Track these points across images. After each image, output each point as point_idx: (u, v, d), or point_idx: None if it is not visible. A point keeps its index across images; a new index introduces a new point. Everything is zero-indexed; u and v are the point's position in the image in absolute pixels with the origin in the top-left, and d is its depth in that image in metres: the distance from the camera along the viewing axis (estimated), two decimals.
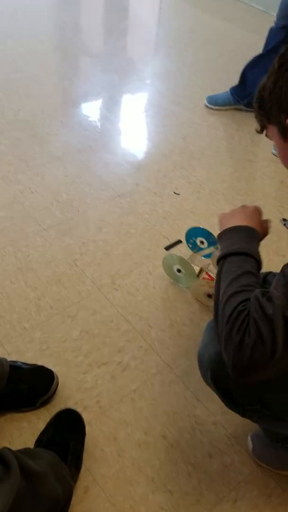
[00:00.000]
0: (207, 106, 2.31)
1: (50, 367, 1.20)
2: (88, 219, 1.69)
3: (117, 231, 1.66)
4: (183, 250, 1.55)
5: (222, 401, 0.92)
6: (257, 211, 0.97)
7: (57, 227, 1.64)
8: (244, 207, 0.99)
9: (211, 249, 1.44)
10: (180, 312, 1.43)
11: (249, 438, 1.12)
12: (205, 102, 2.32)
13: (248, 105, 2.17)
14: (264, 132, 0.86)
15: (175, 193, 1.84)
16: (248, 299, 0.73)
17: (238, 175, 1.98)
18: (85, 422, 1.11)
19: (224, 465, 1.09)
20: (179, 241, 1.56)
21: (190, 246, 1.50)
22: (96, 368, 1.26)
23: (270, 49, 2.03)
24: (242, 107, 2.29)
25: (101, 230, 1.65)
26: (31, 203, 1.71)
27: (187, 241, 1.50)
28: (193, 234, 1.47)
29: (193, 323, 1.40)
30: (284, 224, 1.14)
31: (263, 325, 0.68)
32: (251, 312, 0.70)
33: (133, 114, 2.31)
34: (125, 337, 1.35)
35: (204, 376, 0.92)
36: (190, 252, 1.49)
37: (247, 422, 1.15)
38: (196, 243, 1.48)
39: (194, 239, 1.48)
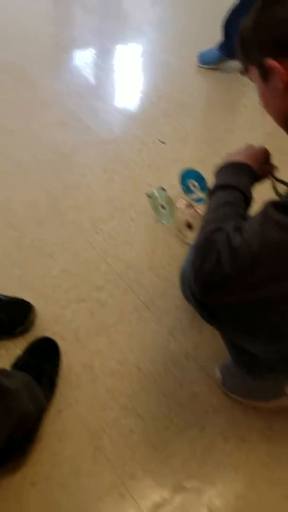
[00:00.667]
0: (199, 66, 2.24)
1: (29, 300, 1.23)
2: (73, 164, 1.68)
3: (101, 177, 1.66)
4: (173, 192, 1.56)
5: (200, 315, 0.94)
6: (260, 151, 0.98)
7: (41, 170, 1.63)
8: (249, 146, 0.99)
9: (202, 194, 1.45)
10: (159, 256, 1.45)
11: (218, 369, 1.17)
12: (197, 62, 2.25)
13: None
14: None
15: (161, 141, 1.83)
16: (220, 229, 0.75)
17: (226, 126, 1.96)
18: (62, 352, 1.15)
19: (193, 395, 1.14)
20: (162, 189, 1.56)
21: (183, 188, 1.50)
22: (75, 304, 1.29)
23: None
24: (234, 59, 2.23)
25: (84, 175, 1.65)
26: (14, 145, 1.70)
27: (181, 182, 1.50)
28: (187, 176, 1.48)
29: (171, 266, 1.42)
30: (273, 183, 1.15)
31: (224, 254, 0.70)
32: (218, 242, 0.73)
33: (123, 62, 2.26)
34: (104, 277, 1.37)
35: (184, 291, 0.95)
36: (181, 195, 1.50)
37: (217, 355, 1.20)
38: (188, 186, 1.48)
39: (187, 181, 1.48)
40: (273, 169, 0.99)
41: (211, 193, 0.88)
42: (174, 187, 1.53)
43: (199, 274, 0.74)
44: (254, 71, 0.84)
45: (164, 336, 1.25)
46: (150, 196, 1.55)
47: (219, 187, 0.87)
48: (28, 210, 1.51)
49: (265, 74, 0.80)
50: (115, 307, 1.30)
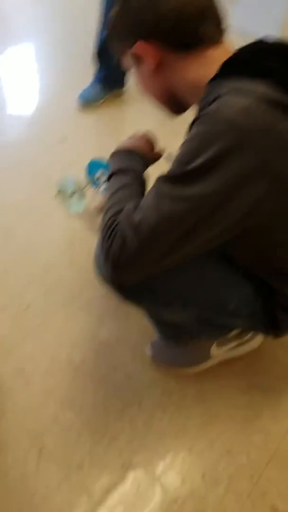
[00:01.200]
0: (82, 106, 2.01)
1: None
2: None
3: (5, 182, 1.64)
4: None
5: (117, 295, 0.95)
6: (144, 138, 1.03)
7: None
8: (136, 134, 1.04)
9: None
10: (78, 248, 1.46)
11: (148, 345, 1.21)
12: (79, 103, 2.02)
13: (121, 85, 2.03)
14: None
15: (62, 139, 1.83)
16: (120, 210, 0.79)
17: (120, 116, 2.00)
18: None
19: (128, 376, 1.18)
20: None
21: (89, 178, 1.51)
22: None
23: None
24: (118, 89, 2.05)
25: None
26: None
27: (88, 173, 1.50)
28: (94, 167, 1.49)
29: (92, 255, 1.44)
30: (169, 160, 1.20)
31: (128, 232, 0.75)
32: (121, 222, 0.77)
33: (13, 62, 2.22)
34: (25, 280, 1.37)
35: (100, 274, 0.96)
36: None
37: (146, 334, 1.24)
38: (94, 178, 1.49)
39: (95, 172, 1.49)
40: (162, 152, 1.04)
41: (108, 179, 0.92)
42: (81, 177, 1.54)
43: (109, 256, 0.77)
44: (128, 58, 0.88)
45: (93, 325, 1.27)
46: (58, 189, 1.54)
47: (114, 172, 0.91)
48: None
49: (138, 58, 0.85)
50: (40, 308, 1.30)
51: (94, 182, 1.52)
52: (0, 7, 2.65)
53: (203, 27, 0.80)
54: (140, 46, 0.83)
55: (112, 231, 0.77)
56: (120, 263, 0.77)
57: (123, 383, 1.16)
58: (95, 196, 1.48)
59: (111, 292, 0.98)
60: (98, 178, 1.50)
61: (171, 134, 1.79)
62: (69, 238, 1.50)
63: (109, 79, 1.96)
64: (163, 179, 0.75)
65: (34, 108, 1.99)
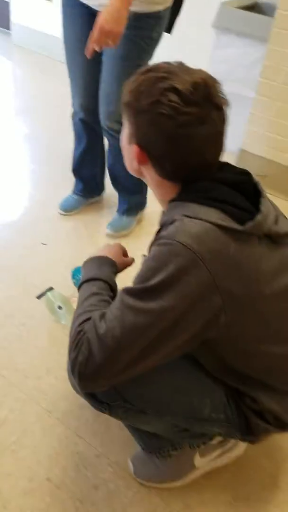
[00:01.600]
0: (62, 214, 2.08)
1: None
2: None
3: None
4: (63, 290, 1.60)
5: (90, 404, 0.96)
6: (116, 246, 1.11)
7: None
8: (107, 245, 1.12)
9: None
10: (56, 356, 1.46)
11: (129, 461, 1.17)
12: (59, 211, 2.08)
13: (98, 194, 2.13)
14: None
15: (42, 243, 1.90)
16: (88, 319, 0.84)
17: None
18: None
19: (109, 493, 1.12)
20: (51, 288, 1.61)
21: (74, 282, 1.55)
22: None
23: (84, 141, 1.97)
24: (96, 198, 2.16)
25: None
26: None
27: (72, 277, 1.55)
28: (77, 272, 1.53)
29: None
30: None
31: (94, 343, 0.79)
32: (87, 332, 0.81)
33: (9, 176, 2.36)
34: (1, 391, 1.34)
35: (72, 384, 0.97)
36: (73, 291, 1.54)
37: (127, 447, 1.21)
38: (79, 281, 1.54)
39: (78, 277, 1.54)
40: (132, 260, 1.11)
41: (79, 287, 0.97)
42: (63, 286, 1.58)
43: (75, 367, 0.81)
44: (125, 132, 0.93)
45: (71, 439, 1.23)
46: (39, 298, 1.58)
47: (85, 281, 0.97)
48: None
49: (129, 140, 0.91)
50: (16, 422, 1.26)
51: (77, 285, 1.56)
52: None
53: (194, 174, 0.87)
54: (136, 149, 0.88)
55: (78, 342, 0.81)
56: (86, 374, 0.80)
57: (104, 502, 1.10)
58: None
59: (85, 399, 0.98)
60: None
61: (145, 234, 1.90)
62: (47, 346, 1.50)
63: (86, 190, 2.10)
64: (127, 292, 0.81)
65: (15, 214, 2.08)
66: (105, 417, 1.01)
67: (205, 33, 2.42)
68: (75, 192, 2.11)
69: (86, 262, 1.04)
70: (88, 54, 1.44)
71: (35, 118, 2.88)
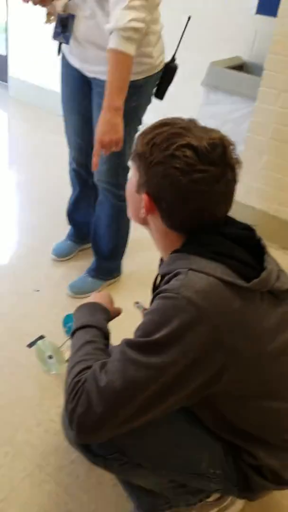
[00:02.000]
0: (55, 260, 2.07)
1: None
2: None
3: None
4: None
5: (85, 456, 0.93)
6: (106, 294, 1.10)
7: None
8: (96, 293, 1.12)
9: None
10: (46, 408, 1.42)
11: None
12: (52, 257, 2.08)
13: (89, 242, 2.01)
14: None
15: (35, 290, 1.90)
16: (86, 368, 0.83)
17: None
18: None
19: None
20: (42, 337, 1.59)
21: (66, 330, 1.53)
22: None
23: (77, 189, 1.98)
24: (88, 245, 2.08)
25: None
26: None
27: (64, 325, 1.53)
28: (69, 319, 1.52)
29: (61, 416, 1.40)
30: (138, 307, 1.29)
31: (94, 395, 0.77)
32: (86, 383, 0.79)
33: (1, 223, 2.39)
34: None
35: (67, 436, 0.94)
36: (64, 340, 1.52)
37: (120, 505, 1.16)
38: (70, 328, 1.52)
39: (70, 324, 1.52)
40: (121, 310, 1.11)
41: (72, 334, 0.96)
42: (54, 334, 1.57)
43: (74, 418, 0.79)
44: (134, 173, 0.93)
45: (62, 497, 1.18)
46: (30, 346, 1.56)
47: (78, 328, 0.96)
48: None
49: (138, 190, 0.91)
50: (5, 478, 1.21)
51: (68, 333, 1.54)
52: None
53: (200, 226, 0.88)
54: (146, 198, 0.89)
55: (77, 392, 0.79)
56: (85, 426, 0.78)
57: None
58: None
59: (79, 452, 0.95)
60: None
61: (137, 283, 1.91)
62: (37, 396, 1.46)
63: (79, 236, 2.11)
64: (130, 345, 0.80)
65: (8, 260, 2.08)
66: (97, 472, 0.99)
67: (194, 91, 2.55)
68: (68, 237, 2.13)
69: (78, 309, 1.04)
70: (94, 168, 1.48)
71: (29, 167, 2.95)
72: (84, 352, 0.88)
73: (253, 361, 0.83)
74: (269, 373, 0.87)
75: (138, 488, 1.04)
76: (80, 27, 1.45)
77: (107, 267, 1.97)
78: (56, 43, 1.61)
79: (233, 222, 0.94)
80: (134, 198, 0.94)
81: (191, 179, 0.82)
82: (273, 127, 2.19)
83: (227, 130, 2.45)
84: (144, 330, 0.80)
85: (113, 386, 0.77)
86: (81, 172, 1.91)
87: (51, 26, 1.54)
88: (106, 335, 0.96)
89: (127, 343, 0.81)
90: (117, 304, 1.11)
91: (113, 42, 1.31)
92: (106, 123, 1.40)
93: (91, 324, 0.95)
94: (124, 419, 0.78)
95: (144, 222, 0.96)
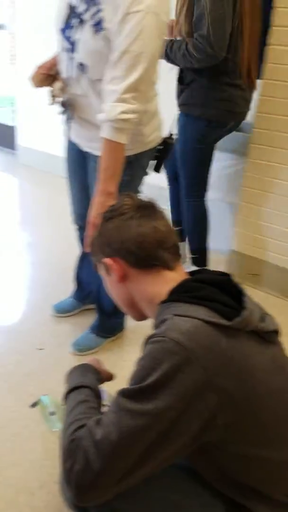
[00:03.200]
0: (55, 316, 2.12)
1: None
2: None
3: None
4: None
5: None
6: (94, 359, 1.14)
7: None
8: (90, 358, 1.15)
9: None
10: (49, 470, 1.40)
11: None
12: (53, 312, 2.13)
13: (93, 302, 2.03)
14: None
15: (39, 349, 1.91)
16: (80, 427, 0.82)
17: None
18: None
19: None
20: (45, 395, 1.59)
21: None
22: None
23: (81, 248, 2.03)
24: (89, 306, 2.14)
25: None
26: None
27: None
28: None
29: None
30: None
31: (90, 450, 0.77)
32: (82, 440, 0.79)
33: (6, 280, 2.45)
34: None
35: (65, 498, 0.93)
36: None
37: None
38: None
39: None
40: (112, 375, 1.14)
41: (65, 396, 0.98)
42: (58, 393, 1.55)
43: (72, 477, 0.78)
44: (101, 268, 1.05)
45: None
46: (33, 406, 1.55)
47: (70, 390, 0.97)
48: None
49: (107, 270, 1.02)
50: None
51: None
52: None
53: (160, 253, 0.98)
54: (107, 261, 1.00)
55: (73, 450, 0.79)
56: (84, 484, 0.77)
57: None
58: None
59: None
60: None
61: (142, 338, 1.91)
62: (40, 457, 1.44)
63: (81, 296, 2.14)
64: (123, 395, 0.81)
65: (12, 319, 2.12)
66: None
67: None
68: (72, 295, 2.17)
69: (69, 372, 1.07)
70: (86, 249, 1.46)
71: (37, 227, 3.06)
72: (77, 412, 0.89)
73: (246, 403, 0.82)
74: (266, 418, 0.86)
75: None
76: (75, 105, 1.55)
77: (110, 324, 1.98)
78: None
79: (207, 270, 1.01)
80: (111, 284, 1.05)
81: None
82: (266, 180, 2.28)
83: (223, 184, 2.51)
84: (136, 376, 0.81)
85: (109, 439, 0.77)
86: (82, 235, 1.98)
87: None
88: (97, 395, 0.98)
89: (121, 393, 0.82)
90: (120, 359, 1.13)
91: (105, 132, 1.38)
92: (100, 206, 1.44)
93: (83, 385, 0.98)
94: (123, 473, 0.77)
95: (130, 301, 1.03)
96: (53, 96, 1.64)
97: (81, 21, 1.36)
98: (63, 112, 1.59)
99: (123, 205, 1.03)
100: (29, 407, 1.55)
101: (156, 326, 0.89)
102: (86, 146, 1.64)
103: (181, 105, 2.13)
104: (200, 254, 2.32)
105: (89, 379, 1.00)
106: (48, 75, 1.58)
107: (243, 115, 2.17)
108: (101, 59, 1.35)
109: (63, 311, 2.14)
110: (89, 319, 2.06)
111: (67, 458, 0.79)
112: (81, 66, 1.40)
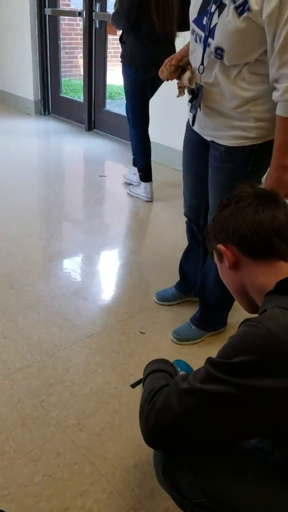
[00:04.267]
0: (157, 303, 2.16)
1: None
2: (57, 360, 1.76)
3: (85, 370, 1.72)
4: None
5: (172, 497, 0.95)
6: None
7: (26, 369, 1.70)
8: None
9: None
10: (145, 451, 1.41)
11: None
12: (154, 299, 2.18)
13: (196, 295, 2.02)
14: None
15: (141, 332, 1.95)
16: (167, 384, 0.90)
17: None
18: None
19: None
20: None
21: None
22: None
23: (189, 241, 2.06)
24: (192, 298, 2.15)
25: (68, 370, 1.72)
26: (3, 348, 1.80)
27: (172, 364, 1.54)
28: (177, 364, 1.54)
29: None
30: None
31: (173, 397, 0.84)
32: (168, 388, 0.88)
33: (104, 266, 2.55)
34: (88, 480, 1.32)
35: (157, 474, 0.97)
36: None
37: None
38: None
39: (177, 368, 1.53)
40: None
41: (144, 380, 1.05)
42: None
43: (150, 415, 0.86)
44: (214, 255, 1.05)
45: None
46: (133, 386, 1.58)
47: (149, 373, 1.04)
48: (12, 411, 1.52)
49: (220, 256, 1.02)
50: None
51: None
52: (104, 221, 3.18)
53: (276, 242, 0.93)
54: (221, 247, 0.99)
55: (156, 395, 0.88)
56: (160, 424, 0.85)
57: None
58: None
59: (168, 493, 0.98)
60: None
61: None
62: (138, 436, 1.46)
63: (183, 287, 2.15)
64: (210, 362, 0.83)
65: (119, 301, 2.19)
66: None
67: None
68: (175, 286, 2.18)
69: (150, 362, 1.12)
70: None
71: (146, 217, 3.12)
72: (158, 378, 0.98)
73: None
74: None
75: None
76: (204, 94, 1.54)
77: (212, 318, 1.96)
78: (182, 106, 1.75)
79: None
80: (227, 276, 1.04)
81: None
82: None
83: None
84: (225, 352, 0.82)
85: (193, 392, 0.81)
86: (192, 227, 1.98)
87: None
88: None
89: (209, 360, 0.84)
90: None
91: (281, 111, 1.38)
92: (275, 181, 1.46)
93: (161, 369, 1.04)
94: (197, 426, 0.83)
95: (241, 286, 1.01)
96: (181, 87, 1.65)
97: (221, 5, 1.35)
98: (191, 100, 1.58)
99: (242, 192, 1.00)
100: (129, 386, 1.60)
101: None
102: (210, 136, 1.62)
103: (120, 57, 2.94)
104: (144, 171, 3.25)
105: (167, 368, 1.06)
106: (177, 67, 1.63)
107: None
108: (240, 42, 1.35)
109: (165, 299, 2.16)
110: (190, 310, 2.05)
111: (149, 400, 0.87)
112: (218, 51, 1.40)
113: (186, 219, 1.98)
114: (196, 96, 1.55)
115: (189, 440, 0.87)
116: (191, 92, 1.56)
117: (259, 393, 0.77)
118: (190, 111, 1.63)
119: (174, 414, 0.83)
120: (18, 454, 1.37)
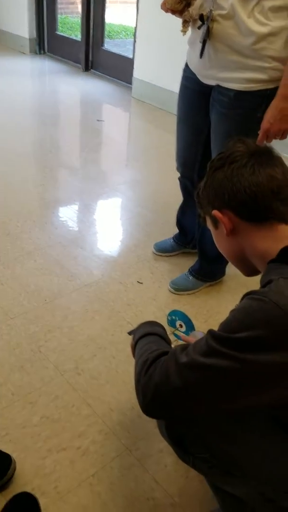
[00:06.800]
0: (155, 254, 2.15)
1: (8, 452, 1.19)
2: (55, 307, 1.77)
3: (83, 318, 1.73)
4: None
5: (175, 451, 0.95)
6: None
7: (24, 315, 1.71)
8: None
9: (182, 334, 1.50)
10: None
11: None
12: (153, 250, 2.17)
13: (194, 247, 2.04)
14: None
15: (138, 282, 1.95)
16: (165, 352, 0.87)
17: None
18: (42, 508, 1.08)
19: None
20: None
21: (168, 320, 1.55)
22: (55, 453, 1.25)
23: (184, 197, 2.02)
24: (190, 250, 2.14)
25: (66, 317, 1.73)
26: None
27: (169, 314, 1.55)
28: (175, 314, 1.54)
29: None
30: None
31: (172, 370, 0.80)
32: (166, 360, 0.83)
33: (102, 215, 2.51)
34: (86, 421, 1.35)
35: (159, 427, 0.97)
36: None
37: (205, 502, 1.14)
38: (174, 322, 1.54)
39: (175, 318, 1.53)
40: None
41: (135, 344, 1.02)
42: None
43: (149, 386, 0.82)
44: (208, 221, 1.00)
45: (148, 483, 1.20)
46: (130, 334, 1.60)
47: (140, 337, 1.01)
48: (10, 356, 1.54)
49: (215, 223, 0.96)
50: (97, 454, 1.26)
51: (171, 324, 1.56)
52: (101, 169, 3.09)
53: (275, 204, 0.88)
54: (216, 213, 0.92)
55: (152, 366, 0.84)
56: (159, 396, 0.81)
57: None
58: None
59: (170, 445, 0.96)
60: (176, 325, 1.54)
61: (239, 285, 1.86)
62: (132, 381, 1.49)
63: (181, 240, 2.13)
64: (212, 335, 0.80)
65: (117, 251, 2.17)
66: (185, 465, 0.98)
67: None
68: (173, 238, 2.17)
69: (137, 327, 1.10)
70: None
71: (146, 164, 3.05)
72: (150, 344, 0.94)
73: None
74: None
75: (225, 492, 1.02)
76: (215, 28, 1.41)
77: (211, 269, 1.95)
78: (181, 47, 1.63)
79: None
80: (217, 236, 0.99)
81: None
82: None
83: None
84: (228, 325, 0.78)
85: (193, 365, 0.78)
86: (186, 184, 1.92)
87: (177, 31, 1.54)
88: (167, 340, 1.01)
89: (211, 333, 0.81)
90: (217, 305, 1.11)
91: None
92: (279, 111, 1.40)
93: (152, 332, 1.02)
94: (198, 400, 0.80)
95: (240, 253, 0.96)
96: (186, 22, 1.52)
97: None
98: (201, 27, 1.43)
99: (234, 151, 0.92)
100: (127, 333, 1.61)
101: (262, 286, 0.83)
102: (216, 79, 1.52)
103: None
104: None
105: (157, 330, 1.04)
106: None
107: None
108: None
109: (163, 250, 2.15)
110: (189, 261, 2.04)
111: (145, 371, 0.84)
112: None
113: (178, 175, 1.93)
114: (205, 24, 1.41)
115: (188, 413, 0.85)
116: (201, 18, 1.42)
117: (264, 368, 0.74)
118: (199, 41, 1.47)
119: (174, 388, 0.80)
120: (16, 396, 1.40)
